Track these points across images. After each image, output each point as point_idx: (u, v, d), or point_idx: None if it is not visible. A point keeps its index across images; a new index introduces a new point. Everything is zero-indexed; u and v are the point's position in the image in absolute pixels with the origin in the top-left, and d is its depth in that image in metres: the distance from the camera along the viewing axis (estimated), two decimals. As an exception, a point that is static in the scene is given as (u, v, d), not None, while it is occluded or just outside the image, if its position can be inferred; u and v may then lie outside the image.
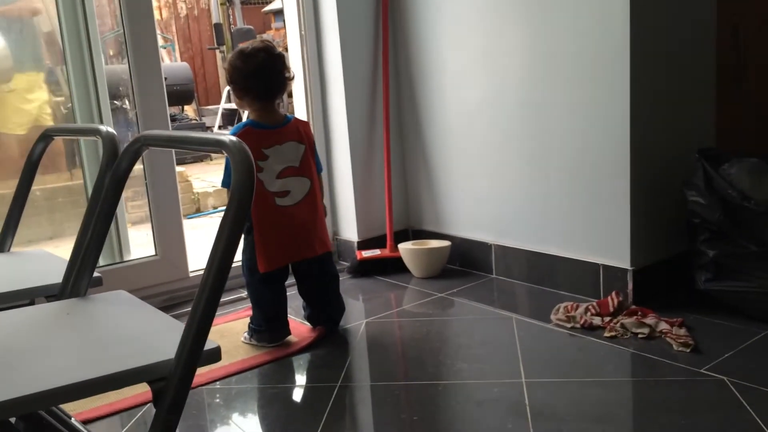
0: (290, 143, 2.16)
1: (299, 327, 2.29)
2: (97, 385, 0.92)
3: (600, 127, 2.27)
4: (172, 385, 0.93)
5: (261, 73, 2.11)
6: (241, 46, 2.19)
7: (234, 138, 0.99)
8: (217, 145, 1.00)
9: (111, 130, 1.36)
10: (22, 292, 1.34)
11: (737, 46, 2.51)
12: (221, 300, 2.91)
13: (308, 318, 2.29)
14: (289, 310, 2.31)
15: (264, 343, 2.17)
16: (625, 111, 2.19)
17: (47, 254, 1.63)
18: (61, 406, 1.52)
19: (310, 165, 2.20)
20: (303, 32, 2.92)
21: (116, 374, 0.93)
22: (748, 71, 2.57)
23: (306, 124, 2.27)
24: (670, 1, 2.27)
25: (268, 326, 2.17)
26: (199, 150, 1.07)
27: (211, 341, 0.97)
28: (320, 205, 2.24)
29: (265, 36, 7.42)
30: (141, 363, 0.95)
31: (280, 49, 2.19)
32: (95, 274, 1.33)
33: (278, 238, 2.14)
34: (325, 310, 2.27)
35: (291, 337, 2.21)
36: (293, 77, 2.22)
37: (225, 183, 2.13)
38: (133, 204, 3.47)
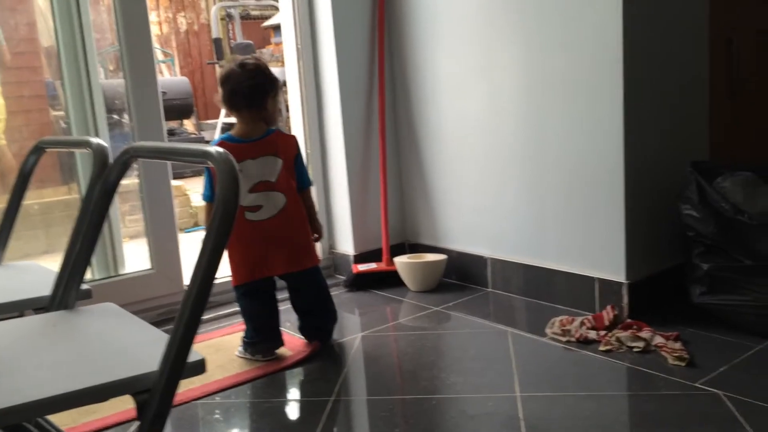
0: (266, 157, 2.13)
1: (294, 341, 2.28)
2: (80, 397, 0.91)
3: (595, 142, 2.27)
4: (155, 397, 0.93)
5: (227, 81, 2.13)
6: None
7: (220, 149, 0.99)
8: (203, 156, 1.00)
9: (101, 142, 1.36)
10: (11, 304, 1.33)
11: (731, 60, 2.52)
12: (218, 314, 2.86)
13: (300, 329, 2.28)
14: (286, 324, 2.30)
15: (258, 355, 2.16)
16: (618, 125, 2.19)
17: (38, 267, 1.62)
18: (53, 421, 1.50)
19: (288, 180, 2.16)
20: (299, 45, 2.93)
21: (99, 386, 0.92)
22: (741, 85, 2.57)
23: (290, 138, 2.23)
24: (663, 15, 2.28)
25: (258, 338, 2.16)
26: (185, 161, 1.07)
27: (196, 353, 0.96)
28: (302, 219, 2.19)
29: (264, 51, 7.44)
30: (125, 375, 0.94)
31: (279, 64, 2.20)
32: (84, 286, 1.32)
33: (246, 253, 2.12)
34: (316, 320, 2.26)
35: (286, 351, 2.20)
36: (268, 91, 2.15)
37: (207, 197, 2.12)
38: (131, 218, 3.47)
